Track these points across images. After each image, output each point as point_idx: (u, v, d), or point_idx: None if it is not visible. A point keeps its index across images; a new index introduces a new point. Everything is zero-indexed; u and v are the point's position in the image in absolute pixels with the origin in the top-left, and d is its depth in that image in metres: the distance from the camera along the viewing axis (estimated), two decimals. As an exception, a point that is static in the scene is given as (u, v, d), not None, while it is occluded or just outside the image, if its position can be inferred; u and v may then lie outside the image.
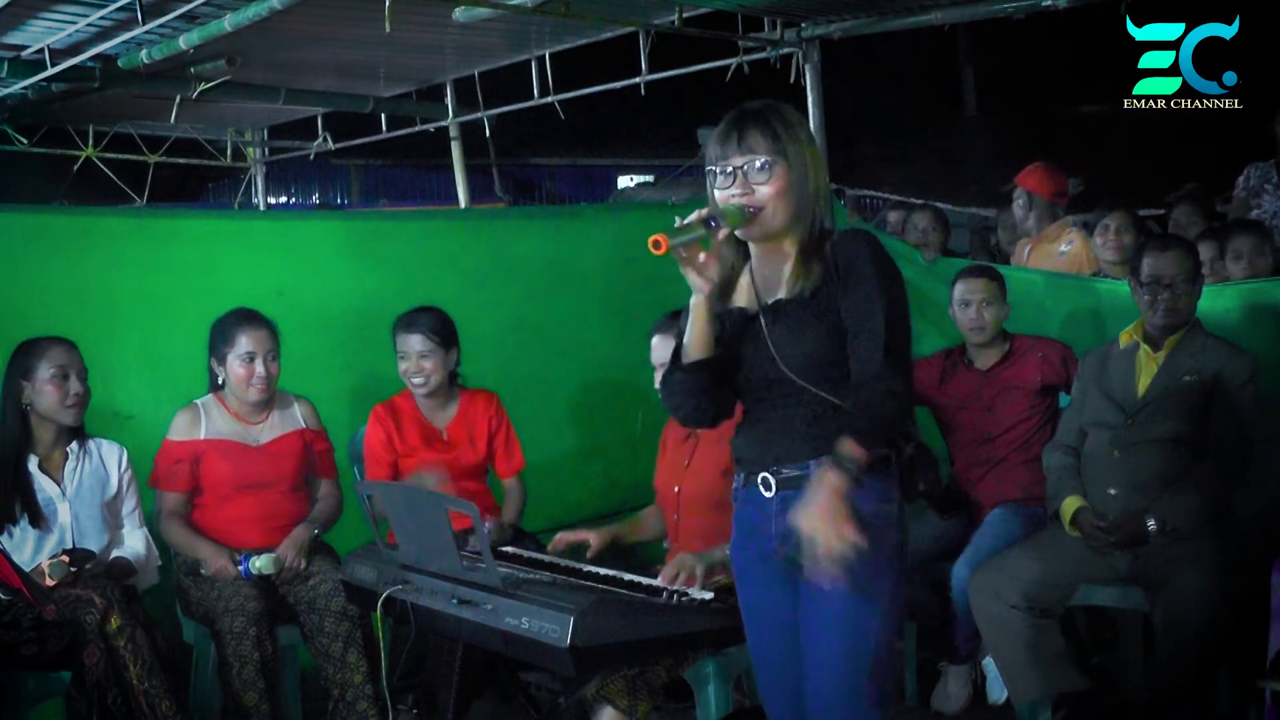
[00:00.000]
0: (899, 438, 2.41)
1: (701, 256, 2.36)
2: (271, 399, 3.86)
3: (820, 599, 2.36)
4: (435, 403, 3.99)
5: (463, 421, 4.00)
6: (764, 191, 2.37)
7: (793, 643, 2.46)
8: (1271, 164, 5.33)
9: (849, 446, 2.26)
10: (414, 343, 3.89)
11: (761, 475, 2.45)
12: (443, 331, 3.92)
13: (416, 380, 3.92)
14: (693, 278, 2.39)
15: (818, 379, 2.38)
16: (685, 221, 2.32)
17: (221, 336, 3.78)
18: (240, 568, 3.60)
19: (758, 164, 2.36)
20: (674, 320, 3.27)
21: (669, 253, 2.28)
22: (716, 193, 2.41)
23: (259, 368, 3.75)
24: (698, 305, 2.42)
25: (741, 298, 2.50)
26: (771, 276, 2.46)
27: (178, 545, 3.75)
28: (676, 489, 3.46)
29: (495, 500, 4.04)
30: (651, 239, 2.26)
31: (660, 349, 3.36)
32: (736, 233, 2.41)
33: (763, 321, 2.42)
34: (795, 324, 2.39)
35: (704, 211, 2.35)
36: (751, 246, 2.48)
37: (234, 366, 3.75)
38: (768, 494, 2.45)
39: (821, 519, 2.20)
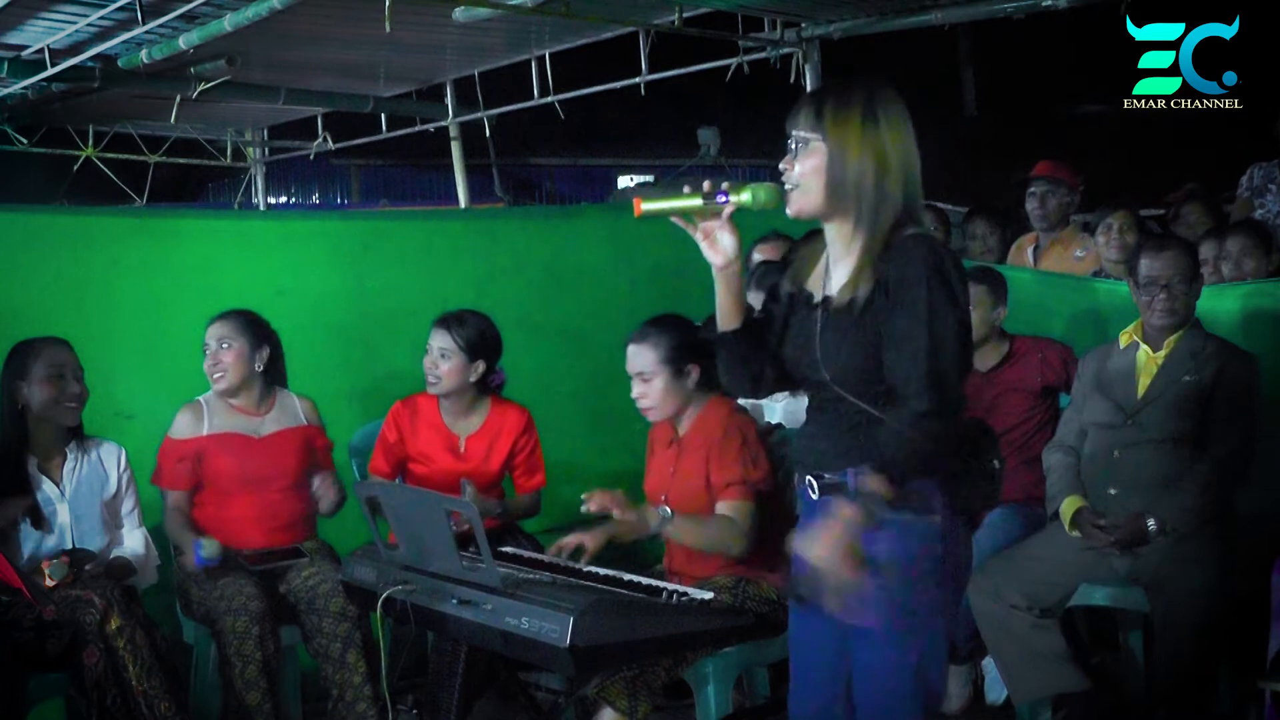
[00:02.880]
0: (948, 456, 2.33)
1: (716, 229, 2.36)
2: (258, 391, 3.83)
3: None
4: (457, 409, 3.90)
5: (485, 435, 3.92)
6: (799, 168, 2.36)
7: (832, 642, 2.44)
8: (1275, 163, 5.32)
9: (872, 482, 2.20)
10: (438, 339, 3.83)
11: (807, 478, 2.42)
12: (472, 340, 3.81)
13: (430, 379, 3.85)
14: (705, 249, 2.39)
15: (858, 390, 2.33)
16: (687, 190, 2.34)
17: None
18: (195, 556, 3.56)
19: (796, 140, 2.37)
20: (648, 328, 3.33)
21: (642, 216, 2.33)
22: None
23: (210, 356, 3.77)
24: (716, 276, 2.42)
25: (814, 283, 2.47)
26: (835, 269, 2.42)
27: (173, 539, 3.75)
28: (664, 496, 3.43)
29: None
30: (636, 199, 2.33)
31: (633, 357, 3.36)
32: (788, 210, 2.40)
33: (817, 317, 2.40)
34: (840, 330, 2.34)
35: (713, 183, 2.36)
36: (825, 231, 2.44)
37: (204, 363, 3.80)
38: (814, 496, 2.40)
39: (827, 553, 2.18)
